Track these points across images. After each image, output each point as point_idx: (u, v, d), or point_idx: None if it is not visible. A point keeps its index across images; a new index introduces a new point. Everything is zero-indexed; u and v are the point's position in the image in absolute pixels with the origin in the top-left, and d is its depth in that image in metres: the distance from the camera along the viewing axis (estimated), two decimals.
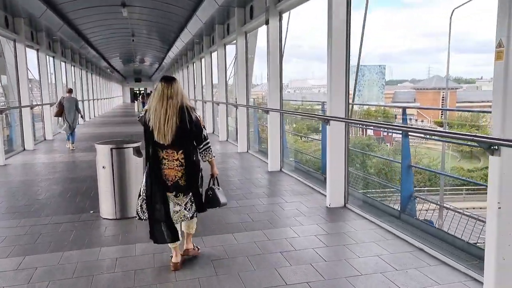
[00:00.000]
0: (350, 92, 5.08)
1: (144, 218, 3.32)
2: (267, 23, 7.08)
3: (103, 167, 4.74)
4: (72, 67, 18.14)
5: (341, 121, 4.96)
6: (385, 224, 4.36)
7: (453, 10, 37.83)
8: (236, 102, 9.77)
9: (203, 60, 13.90)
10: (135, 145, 4.81)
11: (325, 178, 7.44)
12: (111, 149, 4.69)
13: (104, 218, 4.79)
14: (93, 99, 24.55)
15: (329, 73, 4.99)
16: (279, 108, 7.19)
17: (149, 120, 3.10)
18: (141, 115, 3.24)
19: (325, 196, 5.47)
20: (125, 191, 4.76)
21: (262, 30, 9.17)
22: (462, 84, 66.83)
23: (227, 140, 11.72)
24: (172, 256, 3.39)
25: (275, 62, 7.12)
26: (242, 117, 9.42)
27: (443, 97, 61.79)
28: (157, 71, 33.97)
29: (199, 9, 9.69)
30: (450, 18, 35.53)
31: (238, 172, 7.42)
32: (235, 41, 9.58)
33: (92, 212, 5.02)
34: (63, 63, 16.28)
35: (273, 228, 4.38)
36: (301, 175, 6.89)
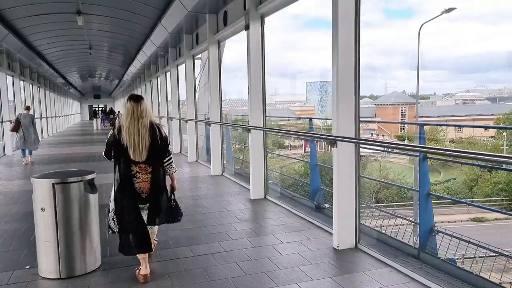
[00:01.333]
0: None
1: (117, 230, 3.46)
2: (247, 28, 6.11)
3: (42, 209, 3.50)
4: (30, 85, 17.66)
5: (351, 142, 4.01)
6: (411, 271, 3.46)
7: (421, 26, 38.66)
8: (207, 118, 8.85)
9: (168, 74, 12.74)
10: (88, 177, 3.63)
11: (317, 206, 6.54)
12: (54, 184, 3.47)
13: (44, 278, 3.54)
14: (49, 117, 22.75)
15: (336, 85, 4.06)
16: (262, 126, 6.19)
17: (122, 139, 3.25)
18: (111, 135, 3.39)
19: (328, 232, 4.53)
20: (73, 241, 3.54)
21: (229, 42, 8.91)
22: (418, 99, 69.20)
23: (197, 160, 10.52)
24: (141, 269, 3.44)
25: (257, 73, 6.14)
26: (215, 135, 8.34)
27: (402, 111, 63.65)
28: (118, 87, 32.26)
29: (165, 17, 8.62)
30: (419, 33, 36.15)
31: (214, 202, 6.27)
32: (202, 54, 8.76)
33: (28, 267, 3.75)
34: (21, 81, 15.80)
35: (275, 287, 3.31)
36: (289, 203, 5.90)
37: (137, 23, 10.13)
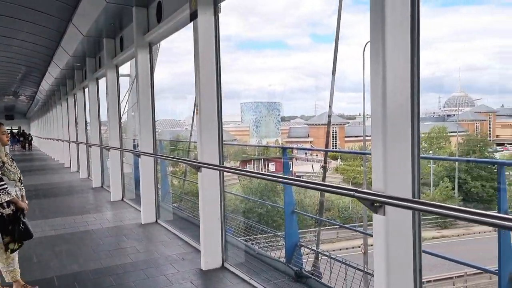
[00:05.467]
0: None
1: None
2: (135, 55, 6.23)
3: None
4: None
5: (215, 169, 4.22)
6: None
7: (366, 44, 40.91)
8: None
9: (86, 90, 12.10)
10: None
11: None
12: None
13: None
14: None
15: (199, 112, 4.28)
16: (152, 152, 6.25)
17: None
18: None
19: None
20: None
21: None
22: (346, 119, 73.03)
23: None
24: None
25: (146, 98, 6.24)
26: (115, 160, 8.21)
27: (333, 131, 66.78)
28: (32, 106, 30.31)
29: (63, 40, 8.45)
30: (363, 51, 38.24)
31: (105, 228, 6.17)
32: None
33: None
34: None
35: None
36: (183, 225, 5.98)
37: (39, 44, 9.66)
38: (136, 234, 5.89)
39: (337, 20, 5.89)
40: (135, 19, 6.06)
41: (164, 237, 5.63)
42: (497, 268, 2.96)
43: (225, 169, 4.27)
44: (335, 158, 45.52)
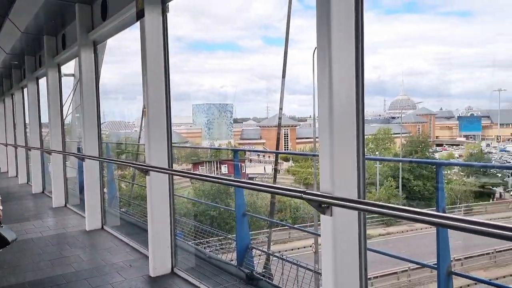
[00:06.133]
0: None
1: None
2: (78, 54, 5.95)
3: None
4: None
5: (164, 172, 4.12)
6: None
7: (315, 49, 41.66)
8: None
9: (14, 96, 11.52)
10: None
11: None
12: None
13: None
14: None
15: (148, 115, 4.16)
16: (97, 155, 5.99)
17: None
18: None
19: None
20: None
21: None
22: (297, 121, 74.43)
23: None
24: None
25: (91, 99, 5.97)
26: (57, 164, 7.77)
27: (285, 133, 67.86)
28: None
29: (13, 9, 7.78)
30: (313, 56, 38.99)
31: (46, 236, 5.81)
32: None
33: None
34: None
35: None
36: (131, 230, 5.78)
37: None
38: (80, 241, 5.60)
39: (286, 24, 5.96)
40: (78, 16, 5.77)
41: (111, 244, 5.39)
42: (436, 263, 3.13)
43: (174, 172, 4.17)
44: (287, 160, 46.21)
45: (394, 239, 24.65)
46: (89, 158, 5.84)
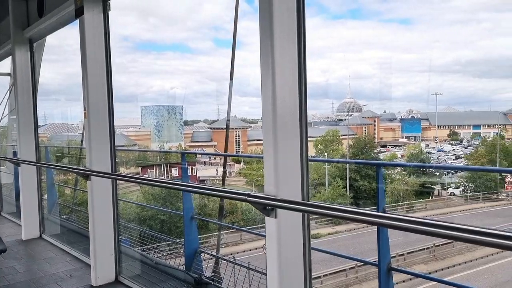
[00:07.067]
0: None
1: None
2: (13, 52, 5.57)
3: None
4: None
5: (107, 177, 3.95)
6: None
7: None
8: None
9: None
10: None
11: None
12: None
13: None
14: None
15: (88, 118, 3.97)
16: (34, 160, 5.63)
17: None
18: None
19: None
20: None
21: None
22: (248, 123, 74.83)
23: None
24: None
25: (27, 99, 5.61)
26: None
27: (236, 135, 67.93)
28: None
29: None
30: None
31: None
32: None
33: None
34: None
35: None
36: (72, 239, 5.48)
37: None
38: (16, 252, 5.22)
39: (234, 26, 5.96)
40: (12, 12, 5.41)
41: (50, 253, 5.09)
42: (376, 260, 3.25)
43: (117, 177, 4.02)
44: (238, 162, 46.23)
45: (342, 238, 25.47)
46: (25, 163, 5.48)
